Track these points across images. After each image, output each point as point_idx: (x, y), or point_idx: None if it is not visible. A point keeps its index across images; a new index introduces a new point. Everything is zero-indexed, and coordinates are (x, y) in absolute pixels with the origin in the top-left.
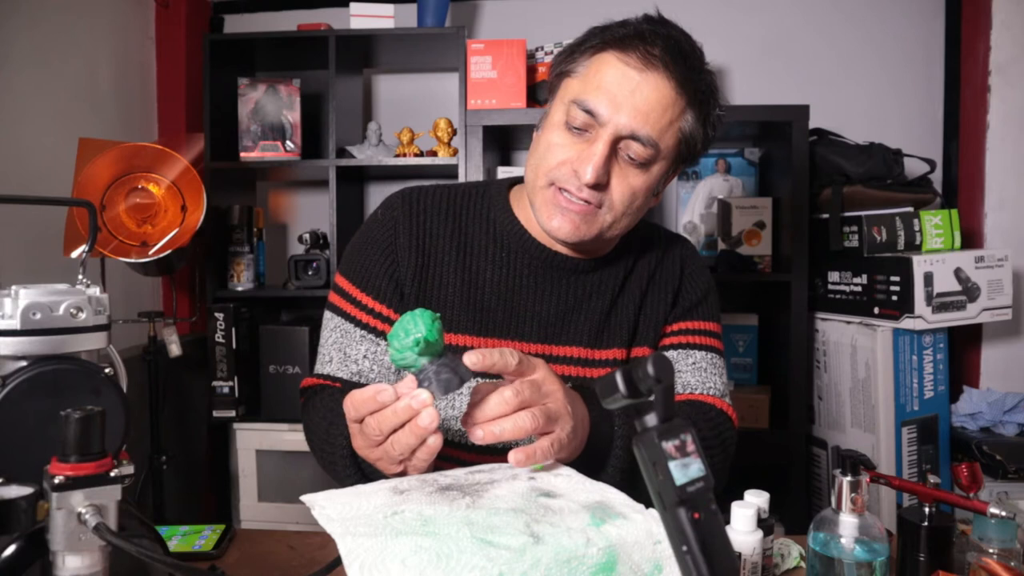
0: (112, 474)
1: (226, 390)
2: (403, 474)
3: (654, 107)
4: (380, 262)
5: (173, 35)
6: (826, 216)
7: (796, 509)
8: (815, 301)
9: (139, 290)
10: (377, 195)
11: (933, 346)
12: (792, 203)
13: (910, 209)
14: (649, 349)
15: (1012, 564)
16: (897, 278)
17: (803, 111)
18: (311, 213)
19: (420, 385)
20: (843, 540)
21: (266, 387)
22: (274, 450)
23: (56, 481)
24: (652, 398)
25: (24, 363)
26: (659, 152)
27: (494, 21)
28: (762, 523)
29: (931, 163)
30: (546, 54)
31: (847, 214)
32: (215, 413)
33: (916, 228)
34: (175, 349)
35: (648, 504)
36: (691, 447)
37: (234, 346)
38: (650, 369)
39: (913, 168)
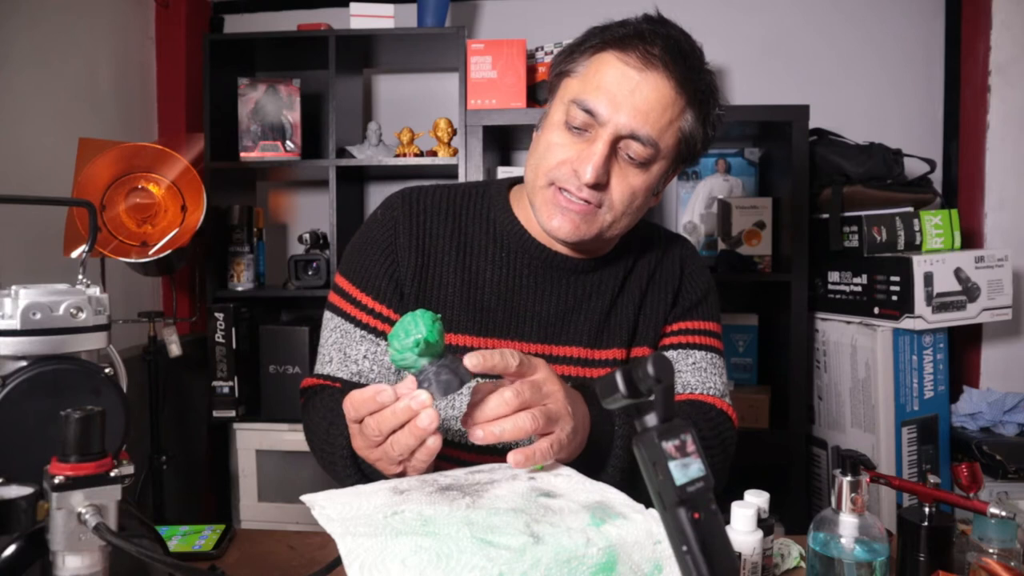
0: (112, 474)
1: (226, 390)
2: (403, 474)
3: (654, 107)
4: (380, 262)
5: (173, 35)
6: (826, 216)
7: (796, 509)
8: (815, 301)
9: (139, 290)
10: (377, 195)
11: (933, 346)
12: (792, 203)
13: (910, 209)
14: (649, 349)
15: (1012, 564)
16: (897, 278)
17: (803, 111)
18: (311, 213)
19: (420, 386)
20: (843, 540)
21: (266, 387)
22: (274, 450)
23: (56, 481)
24: (652, 398)
25: (24, 363)
26: (659, 152)
27: (494, 21)
28: (762, 523)
29: (931, 163)
30: (546, 54)
31: (847, 214)
32: (215, 413)
33: (916, 228)
34: (175, 349)
35: (648, 504)
36: (691, 447)
37: (234, 346)
38: (650, 369)
39: (913, 168)
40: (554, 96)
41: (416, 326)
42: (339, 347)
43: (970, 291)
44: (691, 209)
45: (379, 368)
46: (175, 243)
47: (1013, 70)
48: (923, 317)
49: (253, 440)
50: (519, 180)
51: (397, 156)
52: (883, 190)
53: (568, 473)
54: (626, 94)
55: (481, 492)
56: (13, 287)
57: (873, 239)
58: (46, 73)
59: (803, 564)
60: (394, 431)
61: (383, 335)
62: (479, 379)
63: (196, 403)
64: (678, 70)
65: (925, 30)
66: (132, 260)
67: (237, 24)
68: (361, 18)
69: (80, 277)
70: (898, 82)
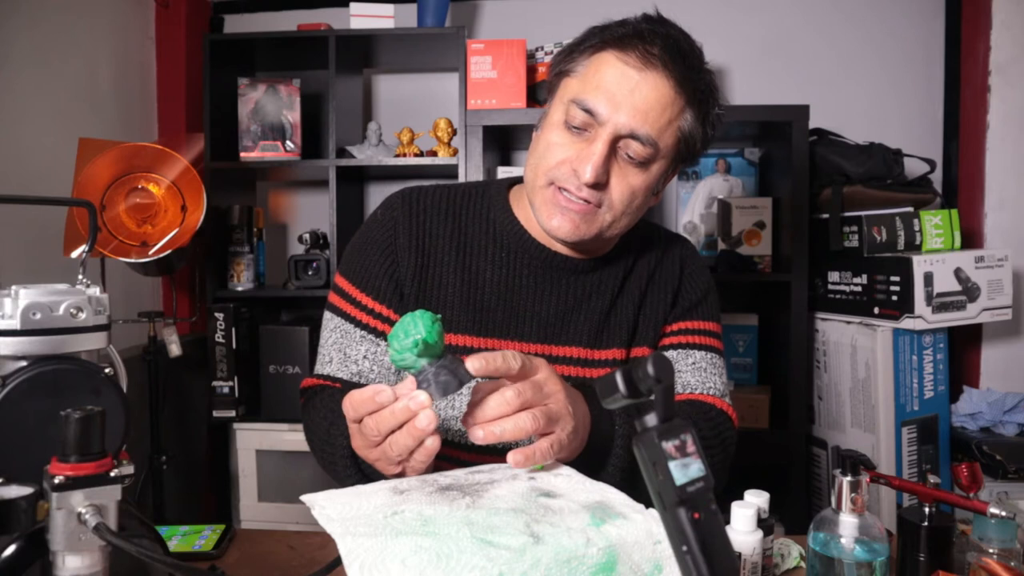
0: (112, 474)
1: (226, 390)
2: (402, 474)
3: (653, 106)
4: (380, 262)
5: (173, 35)
6: (826, 216)
7: (796, 509)
8: (815, 301)
9: (139, 290)
10: (377, 195)
11: (933, 346)
12: (792, 203)
13: (910, 209)
14: (649, 349)
15: (1012, 564)
16: (897, 278)
17: (803, 111)
18: (311, 213)
19: (419, 387)
20: (843, 540)
21: (266, 387)
22: (274, 450)
23: (56, 481)
24: (652, 398)
25: (24, 363)
26: (658, 151)
27: (494, 21)
28: (762, 523)
29: (931, 163)
30: (546, 54)
31: (847, 214)
32: (215, 413)
33: (916, 228)
34: (175, 349)
35: (648, 504)
36: (691, 447)
37: (234, 346)
38: (650, 369)
39: (913, 168)
40: (553, 96)
41: (415, 326)
42: (339, 347)
43: (970, 291)
44: (691, 209)
45: (379, 368)
46: (175, 243)
47: (1013, 70)
48: (923, 317)
49: (253, 440)
50: (519, 180)
51: (397, 156)
52: (883, 190)
53: (568, 473)
54: (625, 94)
55: (481, 492)
56: (13, 287)
57: (873, 239)
58: (46, 73)
59: (803, 564)
60: (393, 431)
61: (383, 335)
62: (478, 380)
63: (196, 403)
64: (677, 70)
65: (925, 30)
66: (132, 260)
67: (237, 24)
68: (361, 18)
69: (80, 277)
70: (898, 82)
